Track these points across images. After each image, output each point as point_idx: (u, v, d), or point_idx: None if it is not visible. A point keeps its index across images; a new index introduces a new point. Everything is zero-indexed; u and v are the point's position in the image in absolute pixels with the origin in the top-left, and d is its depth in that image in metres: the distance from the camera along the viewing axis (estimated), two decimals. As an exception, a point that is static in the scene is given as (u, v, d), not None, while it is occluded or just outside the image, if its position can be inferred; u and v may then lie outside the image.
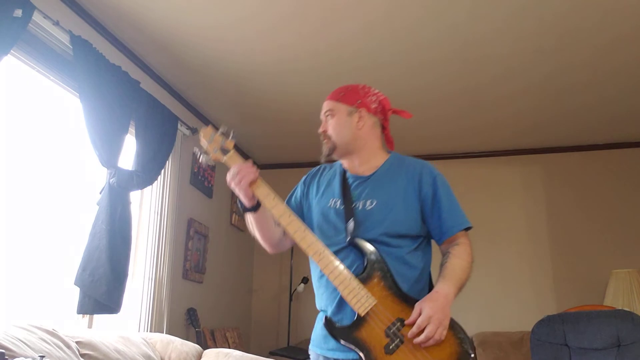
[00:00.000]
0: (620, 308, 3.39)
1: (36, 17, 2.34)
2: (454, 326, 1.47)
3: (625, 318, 2.84)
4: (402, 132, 4.36)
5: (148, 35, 3.00)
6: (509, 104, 3.85)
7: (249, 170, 1.54)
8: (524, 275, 4.43)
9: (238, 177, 1.54)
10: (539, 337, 2.98)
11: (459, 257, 1.57)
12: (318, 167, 1.84)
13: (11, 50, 2.19)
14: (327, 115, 1.71)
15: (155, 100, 3.26)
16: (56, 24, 2.47)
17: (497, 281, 4.44)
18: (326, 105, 1.73)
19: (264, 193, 1.56)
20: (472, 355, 1.44)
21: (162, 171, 3.30)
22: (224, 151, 1.65)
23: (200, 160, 1.71)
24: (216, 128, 1.69)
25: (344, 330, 1.46)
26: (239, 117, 4.17)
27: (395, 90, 3.64)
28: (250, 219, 1.66)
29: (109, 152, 2.69)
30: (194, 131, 3.75)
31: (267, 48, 3.14)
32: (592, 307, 3.45)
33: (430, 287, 1.61)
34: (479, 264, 5.10)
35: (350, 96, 1.70)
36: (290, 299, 4.55)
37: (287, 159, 5.02)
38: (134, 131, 3.08)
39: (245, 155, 4.91)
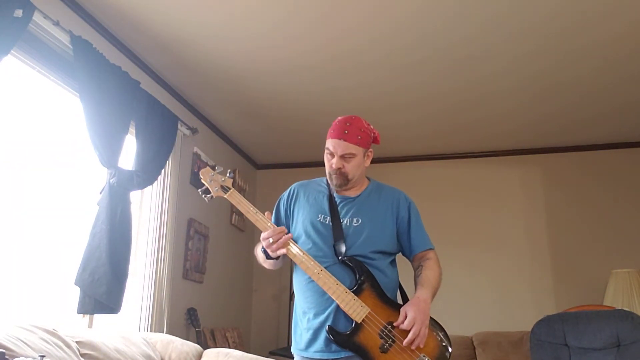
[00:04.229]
0: (620, 308, 3.39)
1: (36, 17, 2.34)
2: (434, 325, 1.76)
3: (625, 318, 2.85)
4: (400, 133, 4.37)
5: (148, 35, 3.01)
6: (507, 103, 3.85)
7: (286, 239, 1.77)
8: (524, 275, 4.43)
9: (275, 246, 1.77)
10: (538, 337, 2.98)
11: (431, 269, 1.87)
12: (292, 188, 2.05)
13: (11, 51, 2.19)
14: (349, 158, 1.87)
15: (156, 100, 3.26)
16: (56, 24, 2.48)
17: (496, 281, 4.45)
18: (345, 147, 1.86)
19: (293, 253, 1.80)
20: (450, 349, 1.73)
21: (162, 171, 3.30)
22: (224, 189, 1.93)
23: (203, 197, 1.97)
24: (212, 168, 1.97)
25: (345, 336, 1.71)
26: (239, 117, 4.18)
27: (393, 90, 3.66)
28: (269, 261, 1.91)
29: (109, 152, 2.69)
30: (194, 131, 3.75)
31: (266, 47, 3.14)
32: (592, 307, 3.45)
33: (402, 293, 1.92)
34: (479, 264, 5.10)
35: (365, 139, 1.90)
36: (290, 299, 4.56)
37: (287, 159, 5.03)
38: (134, 131, 3.08)
39: (244, 155, 4.91)
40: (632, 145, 4.50)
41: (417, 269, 1.88)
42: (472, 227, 4.62)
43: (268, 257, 1.86)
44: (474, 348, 4.05)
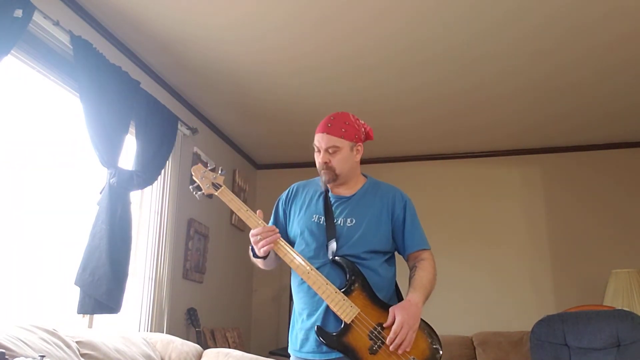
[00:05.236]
0: (620, 308, 3.40)
1: (36, 17, 2.34)
2: (425, 327, 1.73)
3: (625, 318, 2.85)
4: (401, 133, 4.37)
5: (148, 35, 3.00)
6: (507, 103, 3.85)
7: (273, 239, 1.77)
8: (524, 275, 4.43)
9: (261, 243, 1.75)
10: (538, 337, 2.98)
11: (425, 270, 1.83)
12: (291, 188, 2.04)
13: (11, 51, 2.19)
14: (333, 151, 1.85)
15: (156, 100, 3.26)
16: (56, 24, 2.48)
17: (497, 281, 4.45)
18: (328, 140, 1.85)
19: (283, 252, 1.79)
20: (440, 352, 1.70)
21: (162, 171, 3.30)
22: (215, 186, 1.93)
23: (195, 194, 1.97)
24: (204, 165, 1.99)
25: (334, 337, 1.69)
26: (239, 117, 4.18)
27: (393, 90, 3.66)
28: (258, 260, 1.90)
29: (109, 152, 2.69)
30: (194, 131, 3.75)
31: (266, 48, 3.14)
32: (592, 307, 3.46)
33: (398, 292, 1.89)
34: (479, 264, 5.11)
35: (351, 132, 1.87)
36: (290, 299, 4.56)
37: (287, 159, 5.03)
38: (134, 131, 3.08)
39: (244, 155, 4.91)
40: (633, 145, 4.50)
41: (412, 270, 1.86)
42: (473, 228, 4.62)
43: (255, 255, 1.86)
44: (474, 348, 4.05)
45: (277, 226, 1.95)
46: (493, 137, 4.48)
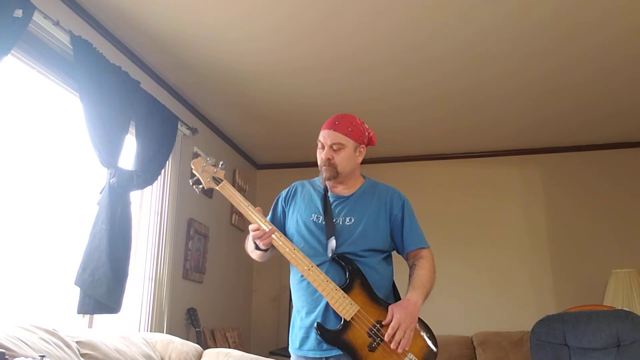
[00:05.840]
0: (620, 308, 3.40)
1: (36, 17, 2.34)
2: (422, 326, 1.75)
3: (625, 318, 2.85)
4: (401, 133, 4.37)
5: (148, 35, 3.00)
6: (506, 103, 3.85)
7: (269, 234, 1.79)
8: (524, 275, 4.43)
9: (261, 240, 1.79)
10: (538, 337, 2.98)
11: (424, 269, 1.85)
12: (292, 186, 2.06)
13: (11, 51, 2.19)
14: (338, 149, 1.87)
15: (156, 100, 3.26)
16: (56, 24, 2.48)
17: (497, 281, 4.45)
18: (334, 137, 1.87)
19: (278, 244, 1.81)
20: (435, 350, 1.74)
21: (162, 171, 3.30)
22: (216, 180, 1.92)
23: (195, 188, 1.97)
24: (205, 159, 1.97)
25: (333, 334, 1.71)
26: (239, 117, 4.18)
27: (393, 90, 3.66)
28: (258, 252, 1.92)
29: (109, 152, 2.69)
30: (194, 131, 3.75)
31: (267, 48, 3.14)
32: (592, 307, 3.45)
33: (395, 291, 1.91)
34: (479, 264, 5.10)
35: (357, 133, 1.90)
36: (290, 299, 4.56)
37: (287, 159, 5.03)
38: (134, 131, 3.08)
39: (244, 155, 4.91)
40: (633, 145, 4.50)
41: (411, 268, 1.88)
42: (473, 228, 4.62)
43: (257, 247, 1.88)
44: (474, 348, 4.05)
45: (274, 222, 1.98)
46: (493, 137, 4.48)
